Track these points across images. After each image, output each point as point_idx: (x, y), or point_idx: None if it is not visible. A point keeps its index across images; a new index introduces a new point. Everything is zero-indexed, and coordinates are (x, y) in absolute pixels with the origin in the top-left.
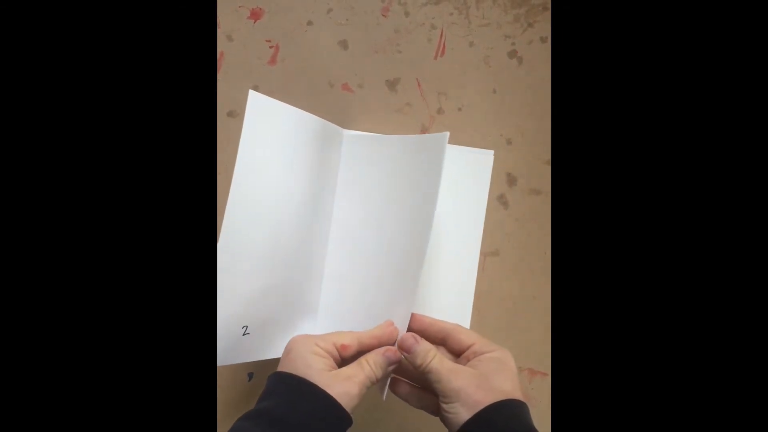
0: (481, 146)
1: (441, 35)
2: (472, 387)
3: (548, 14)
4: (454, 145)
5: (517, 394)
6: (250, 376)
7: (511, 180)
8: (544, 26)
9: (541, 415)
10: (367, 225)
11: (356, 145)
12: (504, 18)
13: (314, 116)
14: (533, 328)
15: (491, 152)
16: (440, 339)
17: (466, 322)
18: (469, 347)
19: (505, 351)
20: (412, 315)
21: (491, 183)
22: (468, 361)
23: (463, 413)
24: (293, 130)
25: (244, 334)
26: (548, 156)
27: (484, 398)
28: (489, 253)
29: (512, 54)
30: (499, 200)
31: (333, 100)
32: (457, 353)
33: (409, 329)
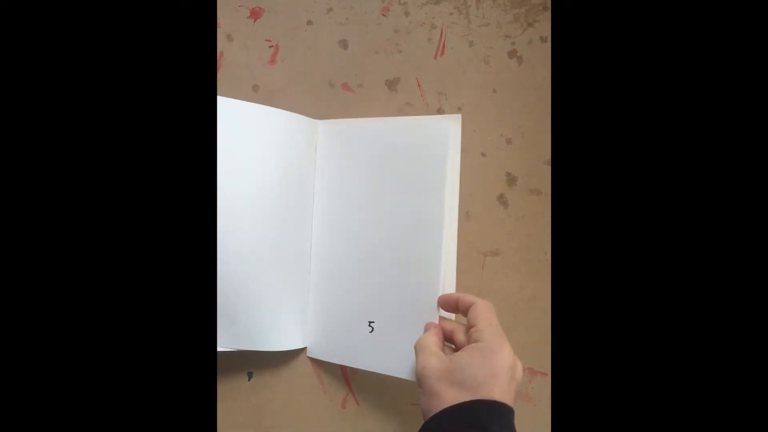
0: (481, 146)
1: (441, 35)
2: (438, 383)
3: (548, 14)
4: (409, 117)
5: (483, 393)
6: (250, 375)
7: (511, 180)
8: (544, 26)
9: (540, 415)
10: (352, 218)
11: (334, 134)
12: (504, 18)
13: (282, 111)
14: (533, 328)
15: (458, 116)
16: (464, 309)
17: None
18: (472, 326)
19: (495, 342)
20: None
21: (492, 182)
22: (464, 345)
23: (424, 407)
24: (260, 127)
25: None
26: (548, 156)
27: (445, 397)
28: (489, 253)
29: (512, 54)
30: (499, 200)
31: (333, 99)
32: (469, 327)
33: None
